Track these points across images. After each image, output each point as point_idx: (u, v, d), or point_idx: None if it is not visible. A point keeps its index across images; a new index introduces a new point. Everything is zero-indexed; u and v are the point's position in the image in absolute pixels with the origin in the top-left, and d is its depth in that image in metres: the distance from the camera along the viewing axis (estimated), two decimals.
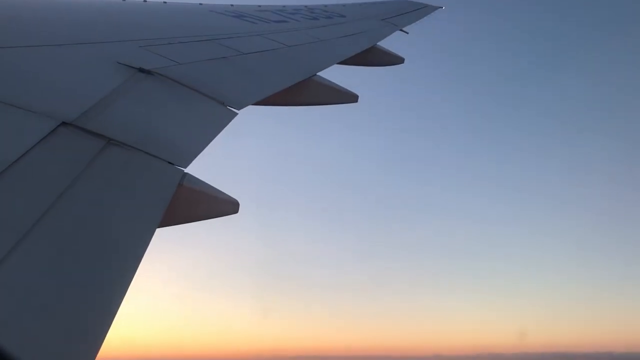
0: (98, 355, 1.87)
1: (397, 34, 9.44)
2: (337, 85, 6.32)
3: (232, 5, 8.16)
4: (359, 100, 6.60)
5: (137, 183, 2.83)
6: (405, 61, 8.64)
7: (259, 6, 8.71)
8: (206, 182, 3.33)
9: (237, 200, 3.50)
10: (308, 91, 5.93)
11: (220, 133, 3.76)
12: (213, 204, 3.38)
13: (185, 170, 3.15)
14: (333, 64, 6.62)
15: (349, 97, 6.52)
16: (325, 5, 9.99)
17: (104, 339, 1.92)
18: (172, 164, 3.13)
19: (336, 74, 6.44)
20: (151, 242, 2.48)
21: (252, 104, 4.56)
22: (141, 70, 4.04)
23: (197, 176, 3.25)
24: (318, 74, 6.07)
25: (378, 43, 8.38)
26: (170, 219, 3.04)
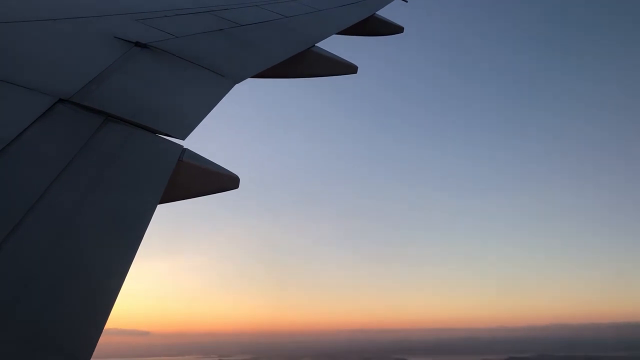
0: (102, 330, 1.89)
1: (396, 2, 9.29)
2: (336, 56, 6.25)
3: None
4: (358, 71, 6.54)
5: (136, 159, 2.82)
6: (404, 30, 8.52)
7: None
8: (206, 157, 3.32)
9: (237, 176, 3.50)
10: (307, 63, 5.87)
11: (221, 107, 3.74)
12: (213, 180, 3.38)
13: (185, 146, 3.14)
14: (332, 34, 6.54)
15: (348, 68, 6.46)
16: None
17: (108, 315, 1.94)
18: (172, 139, 3.12)
19: (335, 45, 6.38)
20: (152, 219, 2.48)
21: (251, 77, 4.52)
22: (138, 44, 3.99)
23: (197, 151, 3.24)
24: (317, 44, 6.00)
25: (377, 12, 8.26)
26: (171, 195, 3.04)
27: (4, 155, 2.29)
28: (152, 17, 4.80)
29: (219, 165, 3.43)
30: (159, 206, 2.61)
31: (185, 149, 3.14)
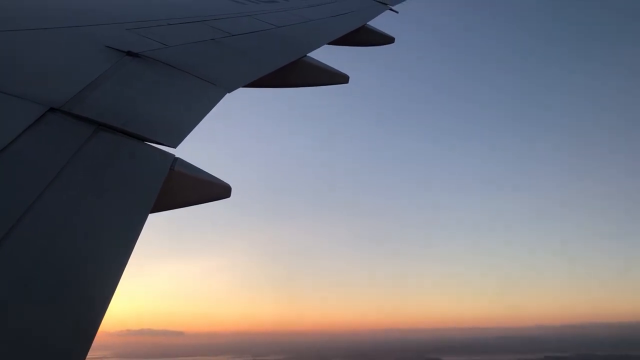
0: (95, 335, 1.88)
1: (387, 13, 9.36)
2: (327, 65, 6.28)
3: None
4: (349, 80, 6.56)
5: (128, 169, 2.81)
6: (395, 41, 8.58)
7: None
8: (198, 166, 3.32)
9: (229, 185, 3.49)
10: (298, 72, 5.89)
11: (212, 116, 3.74)
12: (205, 189, 3.37)
13: (177, 155, 3.14)
14: (323, 44, 6.57)
15: (339, 78, 6.48)
16: None
17: (98, 326, 1.92)
18: (163, 147, 3.12)
19: (326, 55, 6.41)
20: (143, 228, 2.47)
21: (243, 86, 4.53)
22: (129, 53, 3.99)
23: (189, 160, 3.23)
24: (308, 54, 6.02)
25: (368, 22, 8.31)
26: (162, 204, 3.03)
27: None
28: (144, 26, 4.80)
29: (210, 174, 3.43)
30: (158, 214, 2.60)
31: (177, 157, 3.13)
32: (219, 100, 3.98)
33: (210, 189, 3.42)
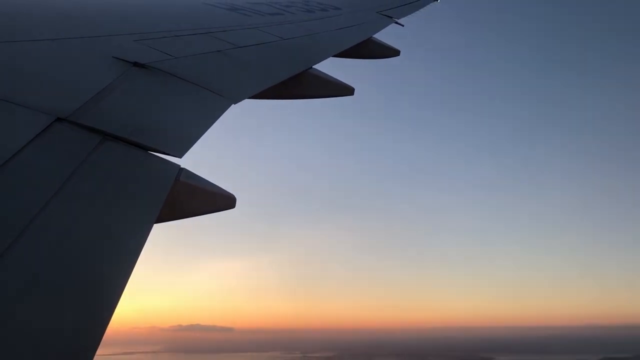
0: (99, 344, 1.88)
1: (393, 26, 9.40)
2: (333, 78, 6.29)
3: None
4: (355, 92, 6.58)
5: (133, 179, 2.82)
6: (400, 54, 8.60)
7: None
8: (203, 177, 3.32)
9: (233, 195, 3.49)
10: (304, 84, 5.91)
11: (217, 127, 3.75)
12: (210, 199, 3.37)
13: (182, 165, 3.14)
14: (329, 56, 6.59)
15: (345, 90, 6.50)
16: None
17: (102, 336, 1.92)
18: (169, 157, 3.12)
19: (332, 67, 6.43)
20: (148, 238, 2.47)
21: (248, 98, 4.54)
22: (136, 64, 4.01)
23: (194, 171, 3.24)
24: (314, 66, 6.04)
25: (373, 35, 8.34)
26: (167, 214, 3.03)
27: (2, 173, 2.28)
28: (151, 37, 4.83)
29: (215, 185, 3.43)
30: (155, 225, 2.60)
31: (183, 168, 3.14)
32: (224, 111, 3.99)
33: (215, 200, 3.43)
